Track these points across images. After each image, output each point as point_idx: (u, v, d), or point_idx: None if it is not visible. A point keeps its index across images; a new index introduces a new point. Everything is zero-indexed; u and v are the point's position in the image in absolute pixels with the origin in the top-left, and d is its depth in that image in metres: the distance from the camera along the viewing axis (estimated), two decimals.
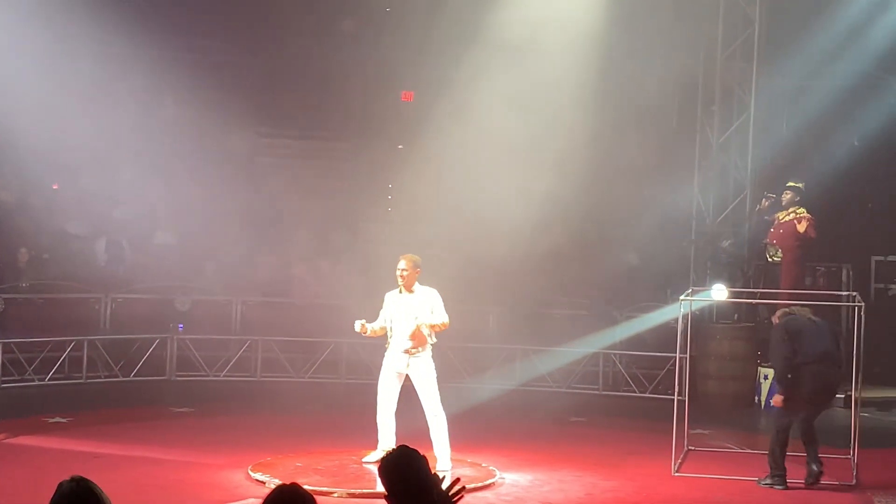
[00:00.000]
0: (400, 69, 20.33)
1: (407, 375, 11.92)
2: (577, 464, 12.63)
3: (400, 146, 20.86)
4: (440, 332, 11.89)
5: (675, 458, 12.44)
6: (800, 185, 17.09)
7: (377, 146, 20.92)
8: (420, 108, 20.37)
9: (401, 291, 11.89)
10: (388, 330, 11.93)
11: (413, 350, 11.80)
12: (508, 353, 17.71)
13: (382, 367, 11.97)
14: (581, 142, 18.23)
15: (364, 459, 11.93)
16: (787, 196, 17.06)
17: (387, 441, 11.80)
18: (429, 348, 11.88)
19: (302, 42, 20.58)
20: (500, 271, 17.57)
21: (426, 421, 11.79)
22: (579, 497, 11.30)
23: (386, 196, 20.99)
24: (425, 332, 11.79)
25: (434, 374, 11.88)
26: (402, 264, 11.88)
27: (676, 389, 13.15)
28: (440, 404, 11.82)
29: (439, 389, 11.86)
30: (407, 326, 11.79)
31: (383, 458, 5.14)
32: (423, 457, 5.11)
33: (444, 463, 11.60)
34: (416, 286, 11.86)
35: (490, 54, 18.44)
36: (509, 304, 18.23)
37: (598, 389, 17.67)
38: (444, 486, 5.09)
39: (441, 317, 11.75)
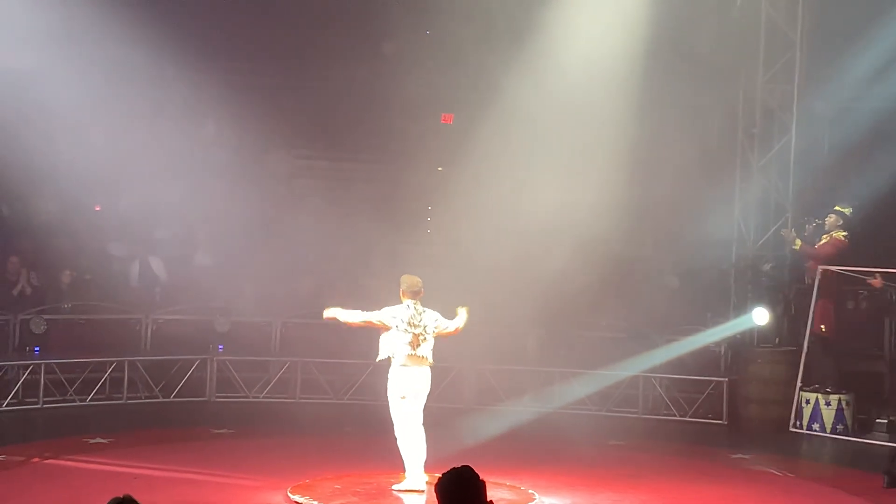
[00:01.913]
0: (440, 91, 20.36)
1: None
2: (616, 487, 12.56)
3: (440, 168, 20.88)
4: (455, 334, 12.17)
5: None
6: (846, 210, 16.96)
7: (417, 168, 20.94)
8: (460, 130, 20.40)
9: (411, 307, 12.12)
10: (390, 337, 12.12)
11: (419, 362, 12.02)
12: (547, 375, 17.65)
13: (391, 399, 12.13)
14: (621, 164, 18.19)
15: (395, 487, 11.84)
16: (830, 219, 16.95)
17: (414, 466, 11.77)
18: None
19: (342, 64, 20.66)
20: (540, 293, 17.52)
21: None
22: None
23: (425, 218, 21.00)
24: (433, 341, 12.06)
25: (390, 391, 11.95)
26: (419, 280, 12.26)
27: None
28: (421, 425, 11.85)
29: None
30: (413, 339, 12.02)
31: (442, 478, 5.12)
32: (483, 481, 5.10)
33: (419, 484, 11.69)
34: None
35: (530, 76, 18.46)
36: (548, 326, 18.18)
37: (637, 413, 17.57)
38: None
39: (456, 323, 12.30)
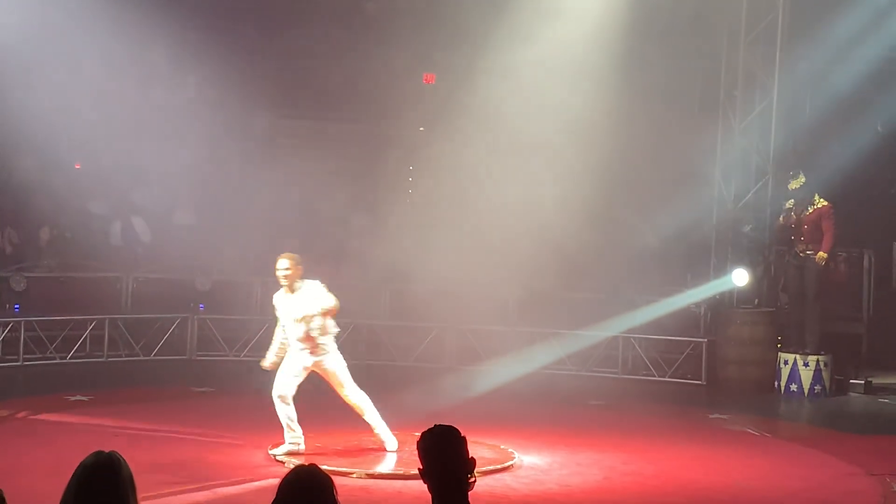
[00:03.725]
0: (422, 51, 20.30)
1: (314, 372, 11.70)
2: (596, 447, 12.63)
3: (421, 128, 20.85)
4: (334, 315, 11.53)
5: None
6: (799, 181, 16.95)
7: (398, 128, 20.91)
8: (442, 90, 20.35)
9: (286, 292, 11.62)
10: (284, 332, 11.72)
11: (316, 351, 11.56)
12: (528, 335, 17.71)
13: (286, 360, 11.67)
14: (602, 124, 18.18)
15: (272, 452, 11.55)
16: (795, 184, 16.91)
17: (295, 433, 11.56)
18: (330, 340, 11.59)
19: (323, 23, 20.56)
20: (520, 254, 17.56)
21: (356, 412, 11.71)
22: (598, 480, 11.31)
23: (407, 178, 20.99)
24: (314, 334, 11.48)
25: (344, 364, 11.69)
26: (282, 264, 11.54)
27: None
28: (360, 389, 11.73)
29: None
30: (298, 329, 11.50)
31: (424, 435, 5.13)
32: (464, 437, 5.12)
33: (392, 444, 11.65)
34: (299, 284, 11.50)
35: (513, 35, 18.40)
36: (529, 287, 18.23)
37: (617, 373, 17.67)
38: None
39: (327, 301, 11.37)
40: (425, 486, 5.07)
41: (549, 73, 18.30)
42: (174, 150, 19.27)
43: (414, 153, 20.47)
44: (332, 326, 11.63)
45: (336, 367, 11.66)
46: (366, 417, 11.73)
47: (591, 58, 18.20)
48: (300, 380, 11.65)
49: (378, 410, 11.79)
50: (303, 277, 11.55)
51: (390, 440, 11.68)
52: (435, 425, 5.17)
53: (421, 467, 5.07)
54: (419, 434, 5.16)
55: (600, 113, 18.18)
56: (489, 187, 18.73)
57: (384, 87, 20.39)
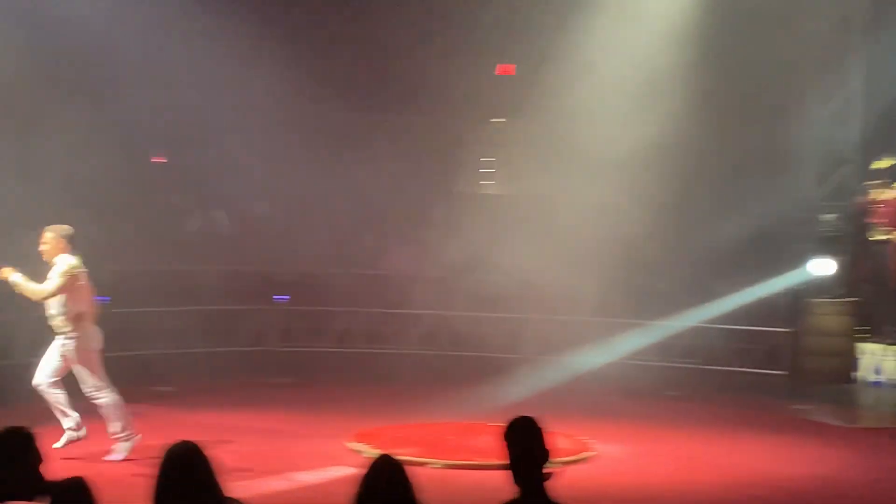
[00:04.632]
0: (498, 41, 20.27)
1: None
2: (674, 438, 12.60)
3: (500, 119, 20.85)
4: (39, 299, 10.85)
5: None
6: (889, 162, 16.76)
7: (473, 121, 20.93)
8: (519, 81, 20.32)
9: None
10: None
11: (57, 329, 11.03)
12: (606, 326, 17.66)
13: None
14: (687, 111, 18.02)
15: (57, 445, 10.94)
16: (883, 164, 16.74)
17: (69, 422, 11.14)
18: (69, 332, 10.98)
19: (398, 14, 20.58)
20: (598, 244, 17.51)
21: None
22: (676, 471, 11.28)
23: (482, 171, 21.01)
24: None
25: (78, 357, 11.00)
26: (44, 236, 10.91)
27: None
28: (100, 384, 11.10)
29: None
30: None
31: (510, 425, 5.19)
32: (544, 428, 5.18)
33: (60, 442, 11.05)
34: (60, 257, 10.85)
35: (594, 21, 18.29)
36: (608, 277, 18.16)
37: (697, 364, 17.55)
38: None
39: (42, 284, 10.73)
40: (505, 475, 5.13)
41: (630, 58, 18.16)
42: (254, 143, 19.44)
43: (490, 145, 20.47)
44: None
45: (72, 358, 11.06)
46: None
47: (674, 40, 18.03)
48: (55, 366, 11.08)
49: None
50: (72, 252, 10.93)
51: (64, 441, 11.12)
52: (516, 416, 5.23)
53: (502, 457, 5.14)
54: (499, 425, 5.22)
55: (684, 99, 18.00)
56: (566, 178, 18.67)
57: (459, 79, 20.39)
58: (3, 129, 16.38)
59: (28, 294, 10.84)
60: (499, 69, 20.80)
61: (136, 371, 15.57)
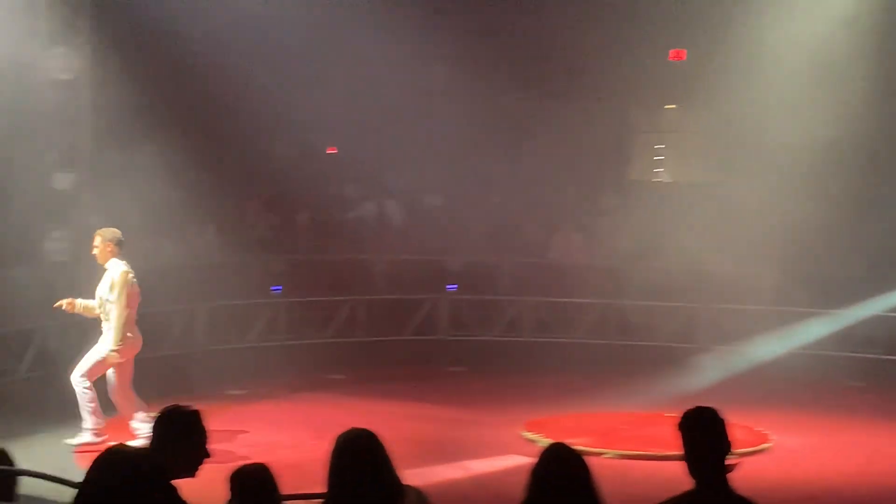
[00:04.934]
0: (669, 26, 19.97)
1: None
2: (855, 430, 12.25)
3: (671, 106, 20.58)
4: (118, 321, 11.01)
5: None
6: None
7: (645, 107, 20.69)
8: (691, 67, 19.99)
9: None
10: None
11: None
12: (783, 315, 17.24)
13: None
14: (864, 99, 17.51)
15: (70, 441, 11.06)
16: None
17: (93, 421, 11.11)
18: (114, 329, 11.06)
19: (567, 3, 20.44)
20: (775, 232, 17.13)
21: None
22: (857, 465, 10.96)
23: (655, 157, 20.76)
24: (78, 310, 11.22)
25: (100, 353, 11.10)
26: (95, 241, 11.18)
27: None
28: (85, 373, 11.06)
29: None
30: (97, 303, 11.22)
31: (685, 416, 5.07)
32: (724, 419, 5.07)
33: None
34: (111, 262, 11.11)
35: (768, 5, 17.88)
36: (785, 266, 17.74)
37: (878, 353, 17.00)
38: None
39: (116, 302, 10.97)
40: (682, 467, 5.02)
41: (801, 52, 17.71)
42: (425, 134, 19.55)
43: (662, 132, 20.20)
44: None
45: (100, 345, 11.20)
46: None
47: (852, 22, 17.52)
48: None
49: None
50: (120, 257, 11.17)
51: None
52: (695, 406, 5.11)
53: (679, 448, 5.03)
54: (676, 415, 5.10)
55: (856, 92, 17.51)
56: (742, 165, 18.32)
57: (630, 66, 20.17)
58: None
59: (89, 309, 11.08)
60: (671, 55, 20.48)
61: (306, 359, 15.82)
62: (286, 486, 5.46)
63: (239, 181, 18.72)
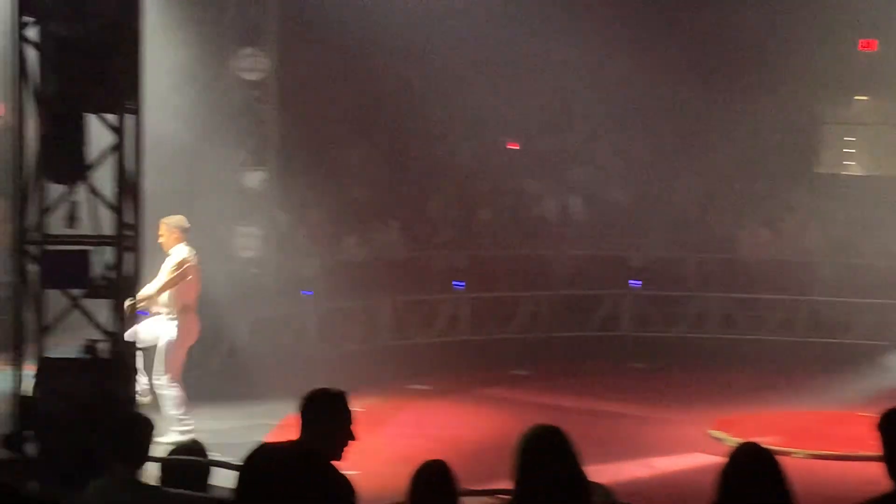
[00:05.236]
0: (860, 16, 19.39)
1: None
2: None
3: (862, 97, 19.98)
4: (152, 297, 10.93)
5: None
6: None
7: (836, 97, 20.13)
8: (882, 57, 19.39)
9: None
10: None
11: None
12: None
13: None
14: None
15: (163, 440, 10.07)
16: None
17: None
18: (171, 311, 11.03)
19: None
20: None
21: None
22: None
23: (847, 150, 20.19)
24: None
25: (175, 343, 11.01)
26: (161, 228, 11.02)
27: None
28: (168, 374, 10.94)
29: None
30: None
31: (885, 416, 4.89)
32: None
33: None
34: (176, 248, 11.02)
35: None
36: None
37: None
38: None
39: (151, 284, 10.77)
40: (880, 468, 4.83)
41: None
42: (605, 128, 19.40)
43: (851, 124, 19.64)
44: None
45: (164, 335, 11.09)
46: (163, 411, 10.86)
47: None
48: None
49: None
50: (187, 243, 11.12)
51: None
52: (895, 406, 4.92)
53: (877, 449, 4.84)
54: (872, 415, 4.92)
55: None
56: None
57: (819, 56, 19.66)
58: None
59: (145, 298, 10.88)
60: (861, 44, 19.88)
61: (488, 354, 15.84)
62: (468, 481, 5.44)
63: (422, 178, 18.86)
